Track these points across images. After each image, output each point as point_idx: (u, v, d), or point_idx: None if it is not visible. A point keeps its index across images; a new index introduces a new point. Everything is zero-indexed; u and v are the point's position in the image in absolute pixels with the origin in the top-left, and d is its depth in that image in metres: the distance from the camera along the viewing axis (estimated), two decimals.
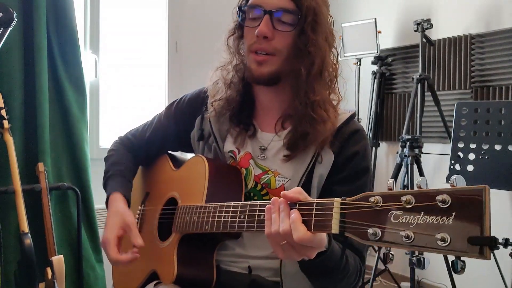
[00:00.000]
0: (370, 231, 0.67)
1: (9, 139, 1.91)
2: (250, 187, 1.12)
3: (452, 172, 2.21)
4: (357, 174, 1.08)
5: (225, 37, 1.15)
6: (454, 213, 0.60)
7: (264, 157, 1.12)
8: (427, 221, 0.62)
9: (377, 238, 0.67)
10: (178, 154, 1.37)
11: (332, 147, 1.07)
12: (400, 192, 0.66)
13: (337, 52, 1.12)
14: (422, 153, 2.74)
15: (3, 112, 1.91)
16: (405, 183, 2.68)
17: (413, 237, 0.63)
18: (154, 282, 1.15)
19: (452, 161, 2.21)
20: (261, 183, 1.11)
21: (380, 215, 0.67)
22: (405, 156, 2.70)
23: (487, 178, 2.09)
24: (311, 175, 1.06)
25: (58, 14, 2.35)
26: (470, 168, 2.15)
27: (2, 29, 1.13)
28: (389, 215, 0.66)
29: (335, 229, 0.73)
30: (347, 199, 0.73)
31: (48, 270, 1.89)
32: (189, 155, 1.31)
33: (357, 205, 0.71)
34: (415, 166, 2.69)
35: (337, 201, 0.74)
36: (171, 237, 1.12)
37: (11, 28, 1.14)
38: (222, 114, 1.17)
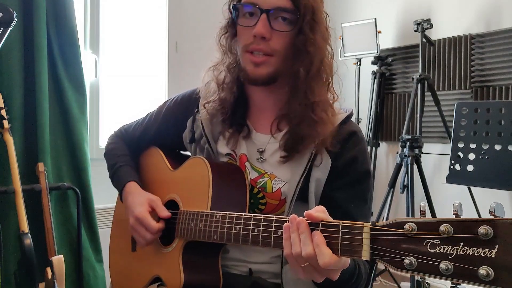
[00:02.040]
0: (407, 261, 0.64)
1: (9, 139, 1.91)
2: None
3: (452, 172, 2.21)
4: (359, 179, 1.05)
5: (217, 35, 1.11)
6: (497, 246, 0.57)
7: (263, 159, 1.09)
8: (467, 253, 0.59)
9: (413, 268, 0.64)
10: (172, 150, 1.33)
11: (328, 150, 1.03)
12: (437, 221, 0.63)
13: (332, 49, 1.08)
14: (422, 153, 2.74)
15: (3, 112, 1.91)
16: (405, 183, 2.68)
17: (452, 269, 0.60)
18: (157, 284, 1.13)
19: (452, 161, 2.21)
20: (257, 186, 1.08)
21: (415, 243, 0.64)
22: (405, 156, 2.69)
23: (487, 178, 2.09)
24: (308, 179, 1.03)
25: (58, 14, 2.35)
26: (470, 168, 2.15)
27: (2, 29, 1.13)
28: (425, 243, 0.63)
29: (366, 256, 0.70)
30: (377, 224, 0.70)
31: (48, 270, 1.88)
32: (183, 152, 1.30)
33: (389, 232, 0.67)
34: (415, 166, 2.68)
35: (366, 225, 0.71)
36: (174, 242, 1.10)
37: (11, 28, 1.14)
38: (215, 116, 1.13)
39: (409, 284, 2.68)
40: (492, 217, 0.59)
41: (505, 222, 0.57)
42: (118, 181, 1.26)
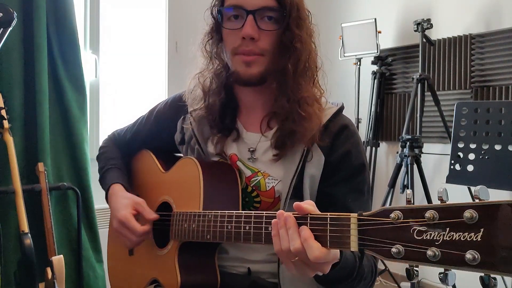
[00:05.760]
0: (394, 249, 0.64)
1: (9, 139, 1.91)
2: (241, 188, 1.09)
3: (452, 172, 2.21)
4: (354, 172, 1.04)
5: (202, 42, 1.11)
6: (482, 229, 0.57)
7: (254, 158, 1.09)
8: (454, 238, 0.59)
9: (401, 256, 0.64)
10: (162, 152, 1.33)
11: (320, 145, 1.03)
12: (422, 207, 0.62)
13: (315, 46, 1.09)
14: (422, 153, 2.74)
15: (3, 112, 1.91)
16: (405, 183, 2.68)
17: (439, 255, 0.60)
18: (154, 285, 1.13)
19: (452, 161, 2.21)
20: (251, 185, 1.07)
21: (402, 231, 0.64)
22: (405, 156, 2.70)
23: (487, 178, 2.08)
24: (301, 176, 1.02)
25: (58, 14, 2.35)
26: (470, 168, 2.15)
27: (2, 29, 1.12)
28: (411, 231, 0.63)
29: (354, 246, 0.70)
30: (364, 214, 0.69)
31: (48, 270, 1.88)
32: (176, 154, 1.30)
33: (375, 221, 0.67)
34: (415, 166, 2.69)
35: (353, 216, 0.71)
36: (169, 244, 1.10)
37: (11, 28, 1.14)
38: (203, 121, 1.13)
39: (409, 284, 2.68)
40: (477, 200, 0.59)
41: (489, 205, 0.57)
42: (104, 184, 1.26)
